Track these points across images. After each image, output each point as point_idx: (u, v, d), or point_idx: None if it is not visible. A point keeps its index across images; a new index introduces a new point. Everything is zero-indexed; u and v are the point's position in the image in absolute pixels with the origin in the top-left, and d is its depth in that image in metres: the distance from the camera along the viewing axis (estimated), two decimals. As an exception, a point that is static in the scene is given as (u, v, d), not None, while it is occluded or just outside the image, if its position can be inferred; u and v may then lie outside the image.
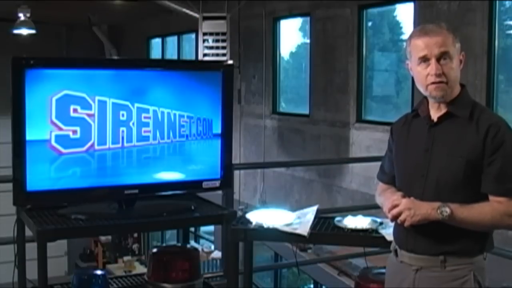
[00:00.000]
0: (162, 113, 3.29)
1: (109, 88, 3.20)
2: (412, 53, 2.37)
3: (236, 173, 4.07)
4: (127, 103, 3.20)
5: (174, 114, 3.33)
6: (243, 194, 9.36)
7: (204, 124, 3.41)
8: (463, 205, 2.25)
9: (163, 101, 3.31)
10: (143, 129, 3.26)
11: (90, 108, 3.10)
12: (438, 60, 2.29)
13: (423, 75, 2.33)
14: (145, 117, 3.26)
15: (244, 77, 9.92)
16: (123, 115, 3.19)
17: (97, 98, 3.11)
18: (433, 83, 2.31)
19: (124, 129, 3.20)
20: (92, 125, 3.12)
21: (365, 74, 7.96)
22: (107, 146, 3.17)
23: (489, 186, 2.28)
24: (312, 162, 8.41)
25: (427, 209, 2.26)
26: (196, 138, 3.40)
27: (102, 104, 3.13)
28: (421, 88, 2.38)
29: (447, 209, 2.23)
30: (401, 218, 2.29)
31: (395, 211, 2.30)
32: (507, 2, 6.23)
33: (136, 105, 3.23)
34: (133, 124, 3.22)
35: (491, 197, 2.28)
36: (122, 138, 3.20)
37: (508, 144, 2.26)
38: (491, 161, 2.26)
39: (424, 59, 2.31)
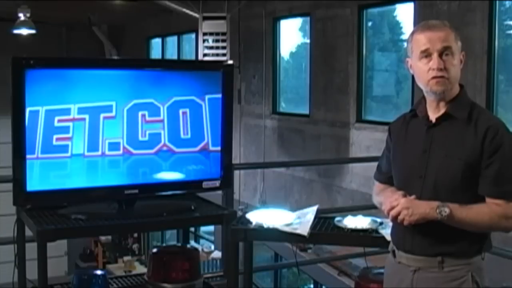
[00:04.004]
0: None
1: (109, 88, 3.20)
2: (413, 48, 2.35)
3: (236, 173, 4.07)
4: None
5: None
6: (243, 194, 9.37)
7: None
8: (462, 206, 2.25)
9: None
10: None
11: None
12: (440, 55, 2.28)
13: (424, 70, 2.31)
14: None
15: (244, 77, 9.93)
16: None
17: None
18: (434, 77, 2.29)
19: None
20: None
21: (365, 74, 7.96)
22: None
23: (487, 188, 2.27)
24: (312, 162, 8.41)
25: (426, 209, 2.25)
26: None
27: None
28: (421, 84, 2.36)
29: (446, 209, 2.23)
30: (399, 217, 2.28)
31: (394, 211, 2.29)
32: (507, 2, 6.23)
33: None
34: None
35: (488, 199, 2.28)
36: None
37: (506, 146, 2.26)
38: (489, 163, 2.25)
39: (426, 54, 2.30)
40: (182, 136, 2.94)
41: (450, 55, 2.30)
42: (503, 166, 2.25)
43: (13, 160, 3.03)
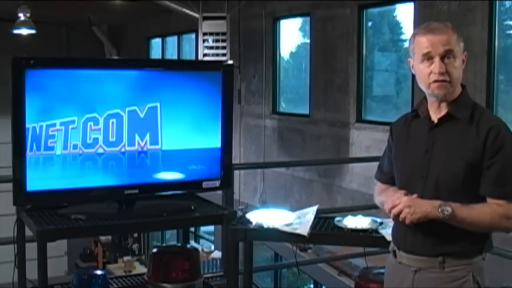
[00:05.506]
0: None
1: (109, 88, 3.22)
2: (415, 50, 2.35)
3: (236, 173, 4.07)
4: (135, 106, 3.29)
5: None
6: (243, 194, 9.37)
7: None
8: (463, 205, 2.25)
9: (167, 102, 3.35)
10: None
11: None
12: (442, 58, 2.27)
13: (426, 73, 2.31)
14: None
15: (244, 77, 9.93)
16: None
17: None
18: (435, 81, 2.29)
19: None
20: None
21: (365, 74, 7.96)
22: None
23: (488, 188, 2.27)
24: (312, 162, 8.41)
25: (428, 207, 2.25)
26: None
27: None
28: (423, 86, 2.36)
29: (448, 208, 2.23)
30: (401, 216, 2.28)
31: (395, 210, 2.29)
32: (507, 2, 6.23)
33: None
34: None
35: (489, 200, 2.27)
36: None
37: (508, 147, 2.26)
38: (490, 164, 2.25)
39: (428, 57, 2.29)
40: (110, 139, 3.26)
41: (452, 58, 2.29)
42: (504, 167, 2.25)
43: (13, 160, 3.03)
